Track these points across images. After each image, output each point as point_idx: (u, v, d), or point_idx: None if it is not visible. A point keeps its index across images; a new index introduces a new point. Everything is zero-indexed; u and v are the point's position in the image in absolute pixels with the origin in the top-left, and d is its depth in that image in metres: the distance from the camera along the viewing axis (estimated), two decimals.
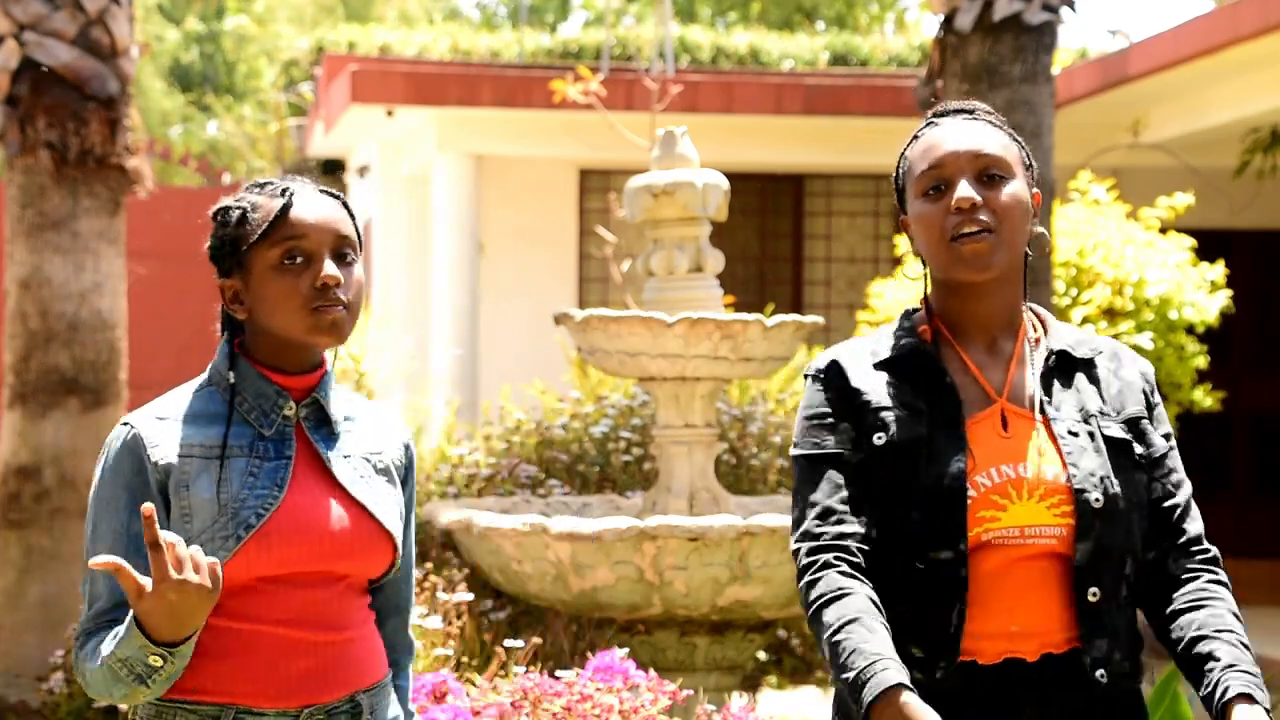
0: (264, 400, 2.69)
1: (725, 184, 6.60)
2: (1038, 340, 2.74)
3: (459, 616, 5.98)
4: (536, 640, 5.29)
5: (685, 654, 6.25)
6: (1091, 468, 2.63)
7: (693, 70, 15.58)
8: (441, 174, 12.57)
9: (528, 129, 12.59)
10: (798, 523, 2.67)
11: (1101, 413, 2.69)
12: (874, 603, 2.56)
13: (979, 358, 2.70)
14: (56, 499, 7.43)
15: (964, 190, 2.64)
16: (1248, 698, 2.53)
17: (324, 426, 2.74)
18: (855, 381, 2.68)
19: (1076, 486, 2.60)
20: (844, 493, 2.64)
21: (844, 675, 2.48)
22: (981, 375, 2.68)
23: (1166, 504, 2.71)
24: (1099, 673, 2.61)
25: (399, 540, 2.76)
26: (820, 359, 2.76)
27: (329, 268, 2.65)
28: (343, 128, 13.74)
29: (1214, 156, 11.83)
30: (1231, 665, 2.57)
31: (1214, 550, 2.74)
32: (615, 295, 11.65)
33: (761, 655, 7.93)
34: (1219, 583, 2.70)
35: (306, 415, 2.72)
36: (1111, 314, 9.00)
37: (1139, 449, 2.69)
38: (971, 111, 2.76)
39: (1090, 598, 2.60)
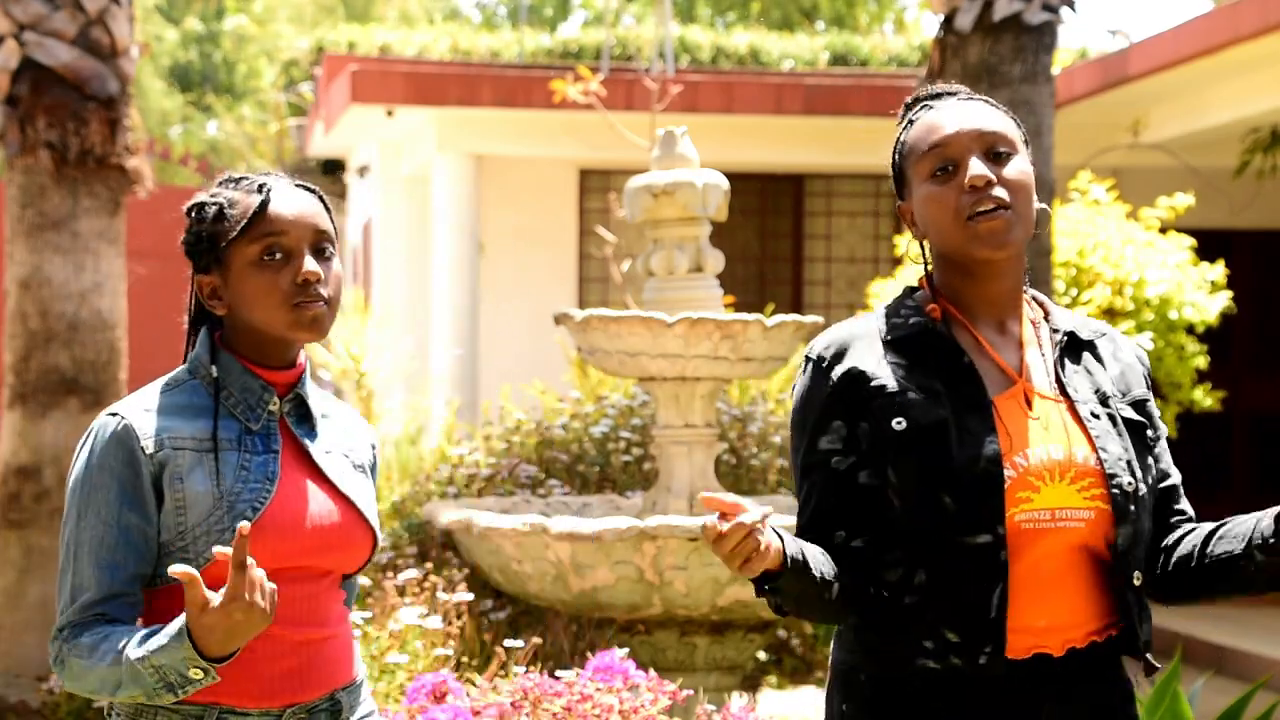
0: (250, 395, 2.68)
1: (725, 184, 6.60)
2: (1036, 322, 2.72)
3: (459, 616, 5.98)
4: (536, 640, 5.29)
5: (685, 654, 6.25)
6: (1118, 451, 2.62)
7: (693, 70, 15.58)
8: (441, 174, 12.57)
9: (528, 129, 12.59)
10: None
11: (1113, 394, 2.68)
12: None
13: (991, 338, 2.67)
14: (56, 499, 7.43)
15: (977, 168, 2.61)
16: None
17: (306, 422, 2.74)
18: (863, 365, 2.63)
19: (1109, 471, 2.59)
20: (823, 504, 2.63)
21: None
22: (998, 355, 2.65)
23: (1164, 484, 2.73)
24: (1149, 656, 2.63)
25: (379, 535, 2.77)
26: (821, 340, 2.70)
27: (309, 263, 2.65)
28: (343, 128, 13.74)
29: (1214, 156, 11.84)
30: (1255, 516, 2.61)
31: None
32: (615, 295, 11.66)
33: (761, 655, 7.93)
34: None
35: (289, 410, 2.72)
36: (1111, 314, 9.00)
37: (1150, 432, 2.70)
38: (955, 93, 2.74)
39: (1135, 581, 2.60)
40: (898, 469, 2.58)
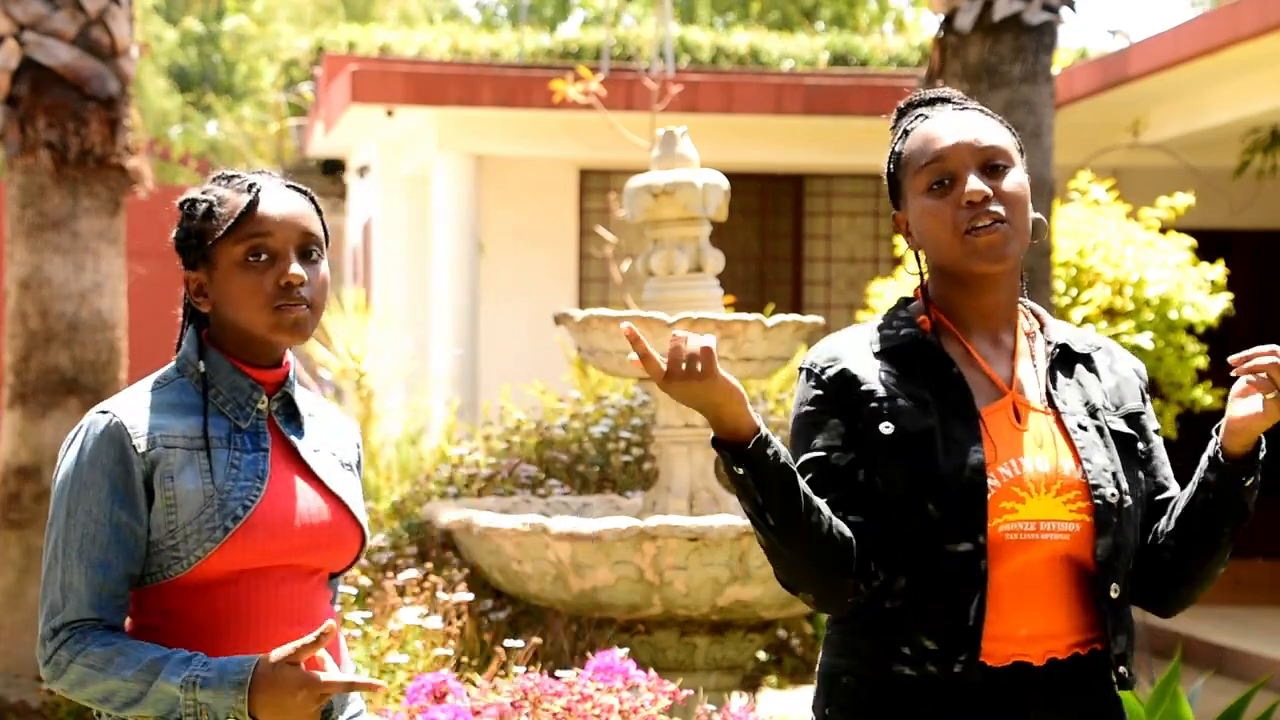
0: (239, 393, 2.68)
1: (725, 184, 6.60)
2: (1031, 333, 2.73)
3: (459, 616, 5.98)
4: (536, 640, 5.29)
5: (685, 654, 6.25)
6: (1103, 463, 2.62)
7: (693, 70, 15.58)
8: (441, 174, 12.57)
9: (528, 129, 12.59)
10: None
11: (1104, 407, 2.69)
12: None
13: (983, 349, 2.68)
14: None
15: (974, 184, 2.61)
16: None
17: (293, 420, 2.74)
18: (854, 370, 2.64)
19: (1092, 482, 2.60)
20: (822, 496, 2.61)
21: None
22: (988, 367, 2.67)
23: (1160, 497, 2.72)
24: (1122, 669, 2.63)
25: (367, 533, 2.77)
26: (814, 351, 2.73)
27: (293, 267, 2.64)
28: (343, 128, 13.74)
29: (1214, 156, 11.83)
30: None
31: None
32: (615, 295, 11.66)
33: (761, 655, 7.93)
34: None
35: (278, 409, 2.73)
36: (1111, 314, 9.00)
37: (1140, 445, 2.70)
38: (948, 100, 2.74)
39: (1113, 594, 2.60)
40: (884, 474, 2.59)
